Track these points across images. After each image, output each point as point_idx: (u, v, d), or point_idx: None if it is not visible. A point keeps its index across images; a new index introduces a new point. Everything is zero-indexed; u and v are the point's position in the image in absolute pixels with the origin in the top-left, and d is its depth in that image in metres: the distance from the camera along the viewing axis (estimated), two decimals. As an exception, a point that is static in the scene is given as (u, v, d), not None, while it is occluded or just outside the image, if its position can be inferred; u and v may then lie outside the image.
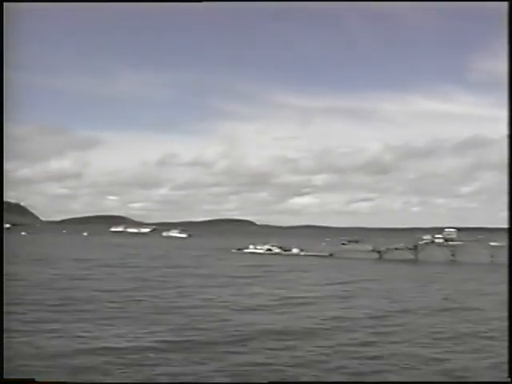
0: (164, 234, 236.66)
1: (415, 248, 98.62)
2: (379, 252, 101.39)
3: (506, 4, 13.40)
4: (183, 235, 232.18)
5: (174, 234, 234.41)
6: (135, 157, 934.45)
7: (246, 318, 34.89)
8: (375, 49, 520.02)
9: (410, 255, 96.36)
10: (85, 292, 45.74)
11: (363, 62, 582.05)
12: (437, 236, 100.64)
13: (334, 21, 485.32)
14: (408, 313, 38.84)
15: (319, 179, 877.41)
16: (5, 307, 13.96)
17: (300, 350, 26.17)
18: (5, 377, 13.50)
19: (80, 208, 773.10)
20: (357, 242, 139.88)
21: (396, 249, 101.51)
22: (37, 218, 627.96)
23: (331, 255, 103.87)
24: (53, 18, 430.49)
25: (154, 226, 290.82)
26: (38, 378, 15.54)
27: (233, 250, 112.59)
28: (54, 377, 20.97)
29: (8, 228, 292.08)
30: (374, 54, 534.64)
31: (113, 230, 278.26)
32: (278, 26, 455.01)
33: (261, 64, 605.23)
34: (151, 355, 24.91)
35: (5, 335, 13.94)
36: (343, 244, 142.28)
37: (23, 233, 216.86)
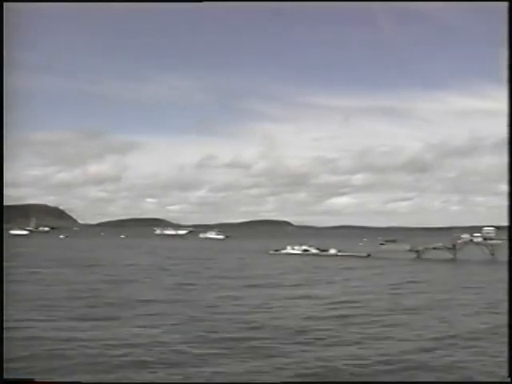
0: (201, 235, 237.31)
1: (453, 247, 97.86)
2: (417, 252, 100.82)
3: (506, 4, 13.54)
4: (220, 237, 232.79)
5: (211, 235, 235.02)
6: (173, 160, 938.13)
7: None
8: (411, 48, 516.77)
9: (448, 254, 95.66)
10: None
11: (399, 61, 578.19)
12: (475, 235, 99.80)
13: (369, 20, 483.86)
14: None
15: (358, 179, 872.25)
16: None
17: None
18: (5, 377, 13.72)
19: (117, 211, 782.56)
20: (394, 241, 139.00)
21: (434, 248, 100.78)
22: (75, 221, 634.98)
23: (369, 255, 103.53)
24: (84, 22, 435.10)
25: (190, 228, 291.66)
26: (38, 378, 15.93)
27: (270, 252, 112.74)
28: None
29: (47, 231, 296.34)
30: (409, 53, 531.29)
31: (154, 232, 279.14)
32: (313, 26, 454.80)
33: (297, 65, 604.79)
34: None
35: (5, 334, 14.17)
36: (381, 244, 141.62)
37: (61, 236, 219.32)
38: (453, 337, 29.68)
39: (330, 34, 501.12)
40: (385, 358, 24.70)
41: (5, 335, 14.16)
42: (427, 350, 26.18)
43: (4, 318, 14.10)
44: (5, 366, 14.17)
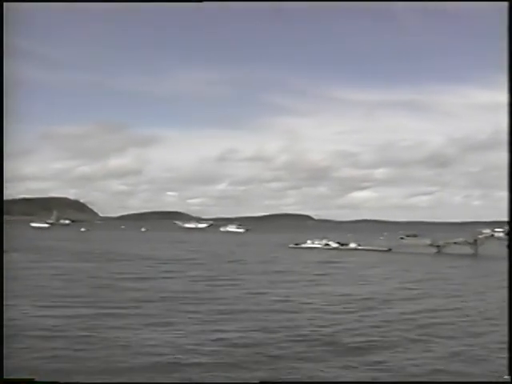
0: (221, 229, 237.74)
1: (475, 242, 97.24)
2: (438, 246, 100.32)
3: (505, 4, 13.42)
4: (241, 230, 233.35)
5: (232, 228, 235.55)
6: (195, 153, 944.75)
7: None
8: (430, 41, 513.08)
9: (469, 249, 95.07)
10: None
11: (418, 54, 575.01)
12: (496, 230, 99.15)
13: (388, 14, 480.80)
14: None
15: (379, 173, 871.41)
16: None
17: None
18: (5, 377, 13.68)
19: (138, 204, 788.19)
20: (415, 236, 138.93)
21: (455, 243, 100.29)
22: (96, 214, 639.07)
23: (390, 250, 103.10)
24: (104, 18, 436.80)
25: (211, 222, 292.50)
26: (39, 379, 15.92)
27: (290, 245, 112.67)
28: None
29: (68, 224, 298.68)
30: (428, 47, 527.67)
31: (175, 225, 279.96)
32: (332, 19, 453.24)
33: (316, 59, 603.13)
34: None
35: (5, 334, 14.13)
36: (401, 238, 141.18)
37: (82, 229, 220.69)
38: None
39: (348, 27, 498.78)
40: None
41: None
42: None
43: (4, 318, 14.03)
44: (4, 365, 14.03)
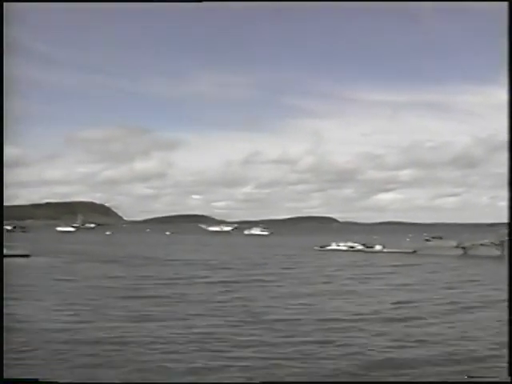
0: (246, 232, 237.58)
1: (501, 243, 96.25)
2: (464, 248, 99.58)
3: (505, 4, 13.35)
4: (265, 233, 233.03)
5: (256, 231, 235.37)
6: (219, 156, 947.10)
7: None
8: (454, 41, 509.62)
9: (495, 251, 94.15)
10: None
11: (443, 54, 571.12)
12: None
13: (412, 13, 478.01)
14: None
15: (405, 174, 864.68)
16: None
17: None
18: (5, 377, 13.69)
19: (163, 207, 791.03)
20: (440, 238, 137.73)
21: (481, 245, 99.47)
22: (120, 217, 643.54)
23: (415, 252, 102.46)
24: (127, 21, 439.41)
25: (235, 225, 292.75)
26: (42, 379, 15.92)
27: (315, 248, 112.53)
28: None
29: (93, 228, 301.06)
30: (453, 46, 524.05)
31: (200, 228, 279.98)
32: (355, 19, 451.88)
33: (340, 59, 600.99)
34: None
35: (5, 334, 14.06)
36: (427, 240, 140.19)
37: (107, 232, 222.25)
38: None
39: (371, 28, 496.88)
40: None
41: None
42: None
43: (4, 317, 14.02)
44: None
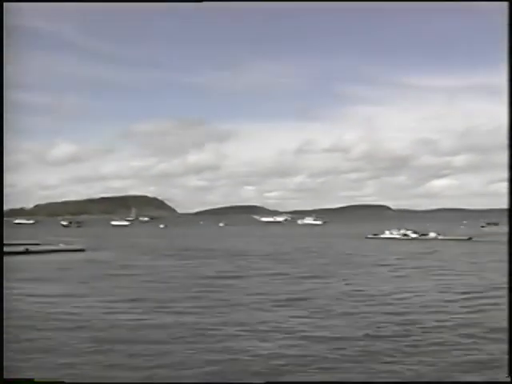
0: (299, 221, 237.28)
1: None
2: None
3: (505, 4, 13.19)
4: (318, 222, 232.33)
5: (309, 221, 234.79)
6: (272, 146, 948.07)
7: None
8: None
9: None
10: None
11: (494, 37, 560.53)
12: None
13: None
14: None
15: (459, 160, 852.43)
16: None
17: None
18: (5, 377, 13.66)
19: (216, 199, 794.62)
20: (496, 224, 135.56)
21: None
22: (174, 210, 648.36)
23: (470, 239, 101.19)
24: (187, 18, 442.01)
25: (289, 215, 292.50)
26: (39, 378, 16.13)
27: (368, 236, 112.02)
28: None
29: (147, 221, 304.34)
30: (505, 30, 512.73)
31: (253, 219, 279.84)
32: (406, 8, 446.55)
33: (395, 46, 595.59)
34: None
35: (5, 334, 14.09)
36: (482, 227, 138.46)
37: (161, 225, 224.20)
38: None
39: (425, 13, 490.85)
40: None
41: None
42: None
43: (4, 317, 14.13)
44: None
